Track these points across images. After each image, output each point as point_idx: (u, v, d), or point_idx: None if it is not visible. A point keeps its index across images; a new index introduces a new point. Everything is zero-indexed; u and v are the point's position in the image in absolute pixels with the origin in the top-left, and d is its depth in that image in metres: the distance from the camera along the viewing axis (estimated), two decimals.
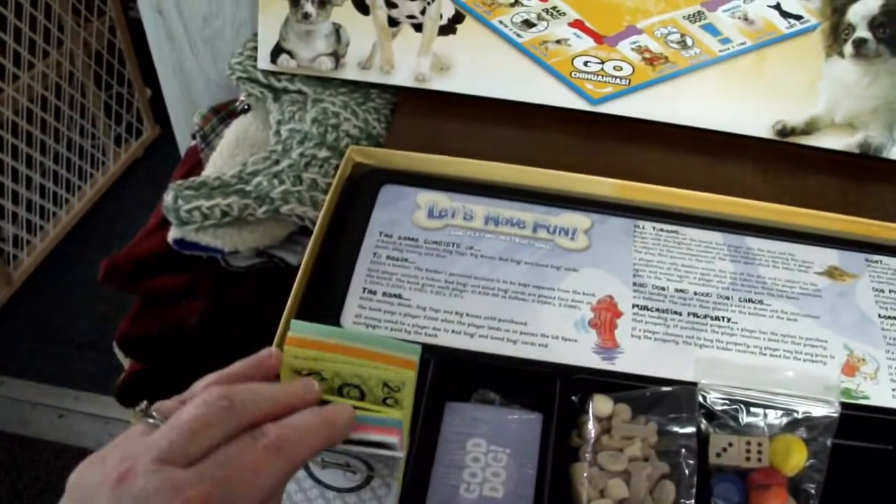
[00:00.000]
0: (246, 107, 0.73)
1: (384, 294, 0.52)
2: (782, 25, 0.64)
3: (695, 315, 0.52)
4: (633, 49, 0.66)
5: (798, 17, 0.64)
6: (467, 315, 0.51)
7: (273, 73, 0.71)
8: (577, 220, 0.57)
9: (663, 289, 0.54)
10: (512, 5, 0.66)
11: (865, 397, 0.49)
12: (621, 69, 0.67)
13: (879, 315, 0.54)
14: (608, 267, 0.55)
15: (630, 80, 0.67)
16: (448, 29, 0.68)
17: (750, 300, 0.54)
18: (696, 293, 0.54)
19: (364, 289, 0.52)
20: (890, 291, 0.55)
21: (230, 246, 0.59)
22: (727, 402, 0.47)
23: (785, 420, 0.46)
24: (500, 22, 0.67)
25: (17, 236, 1.47)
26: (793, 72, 0.66)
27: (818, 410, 0.46)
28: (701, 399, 0.47)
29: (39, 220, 1.52)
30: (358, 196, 0.58)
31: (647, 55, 0.66)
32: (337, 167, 0.61)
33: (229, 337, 0.61)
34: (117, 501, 0.29)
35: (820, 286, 0.55)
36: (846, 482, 0.45)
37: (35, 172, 1.47)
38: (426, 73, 0.69)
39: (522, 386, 0.48)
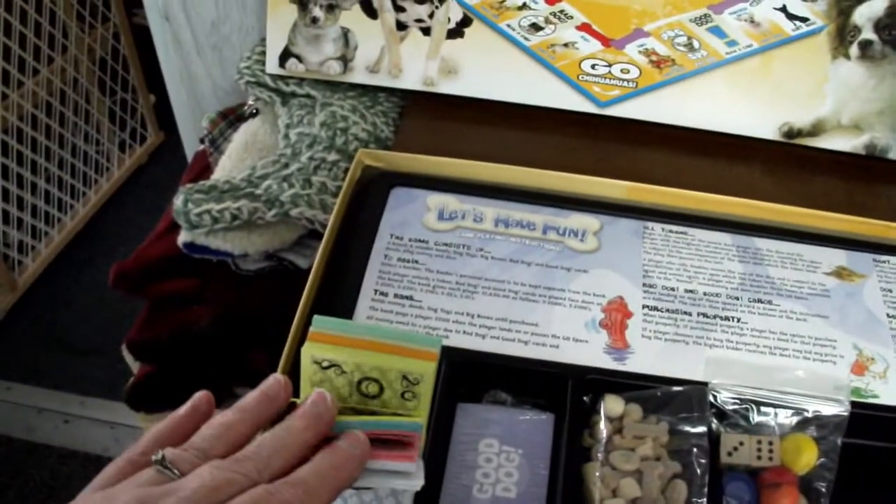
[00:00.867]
0: (254, 111, 0.74)
1: (395, 296, 0.52)
2: (788, 28, 0.65)
3: (704, 315, 0.53)
4: (640, 52, 0.67)
5: (804, 20, 0.64)
6: (478, 316, 0.51)
7: (281, 77, 0.72)
8: (586, 221, 0.58)
9: (673, 289, 0.54)
10: (520, 9, 0.67)
11: (875, 396, 0.49)
12: (628, 72, 0.67)
13: (888, 315, 0.54)
14: (618, 268, 0.55)
15: (637, 83, 0.68)
16: (456, 32, 0.68)
17: (759, 300, 0.54)
18: (705, 294, 0.54)
19: (375, 291, 0.52)
20: None
21: (240, 249, 0.60)
22: (738, 401, 0.47)
23: (795, 419, 0.46)
24: (508, 25, 0.67)
25: (22, 242, 1.48)
26: (799, 74, 0.66)
27: (828, 409, 0.46)
28: (712, 398, 0.47)
29: (44, 226, 1.52)
30: (368, 199, 0.58)
31: (654, 58, 0.67)
32: (346, 170, 0.62)
33: (239, 340, 0.61)
34: None
35: (828, 286, 0.55)
36: (856, 480, 0.45)
37: (40, 178, 1.47)
38: (434, 76, 0.70)
39: (534, 386, 0.49)
